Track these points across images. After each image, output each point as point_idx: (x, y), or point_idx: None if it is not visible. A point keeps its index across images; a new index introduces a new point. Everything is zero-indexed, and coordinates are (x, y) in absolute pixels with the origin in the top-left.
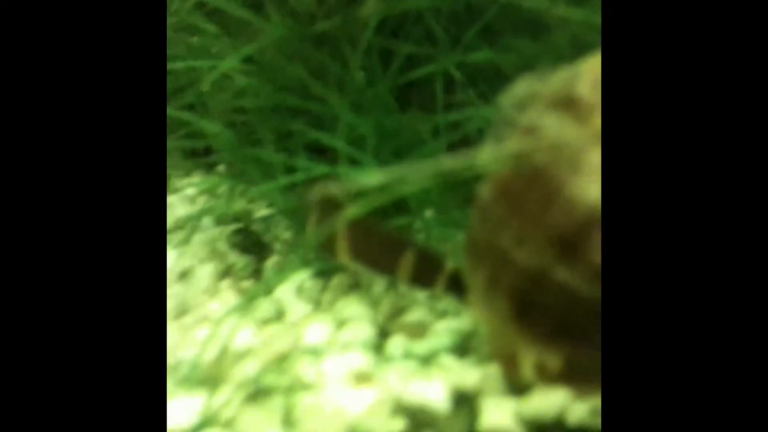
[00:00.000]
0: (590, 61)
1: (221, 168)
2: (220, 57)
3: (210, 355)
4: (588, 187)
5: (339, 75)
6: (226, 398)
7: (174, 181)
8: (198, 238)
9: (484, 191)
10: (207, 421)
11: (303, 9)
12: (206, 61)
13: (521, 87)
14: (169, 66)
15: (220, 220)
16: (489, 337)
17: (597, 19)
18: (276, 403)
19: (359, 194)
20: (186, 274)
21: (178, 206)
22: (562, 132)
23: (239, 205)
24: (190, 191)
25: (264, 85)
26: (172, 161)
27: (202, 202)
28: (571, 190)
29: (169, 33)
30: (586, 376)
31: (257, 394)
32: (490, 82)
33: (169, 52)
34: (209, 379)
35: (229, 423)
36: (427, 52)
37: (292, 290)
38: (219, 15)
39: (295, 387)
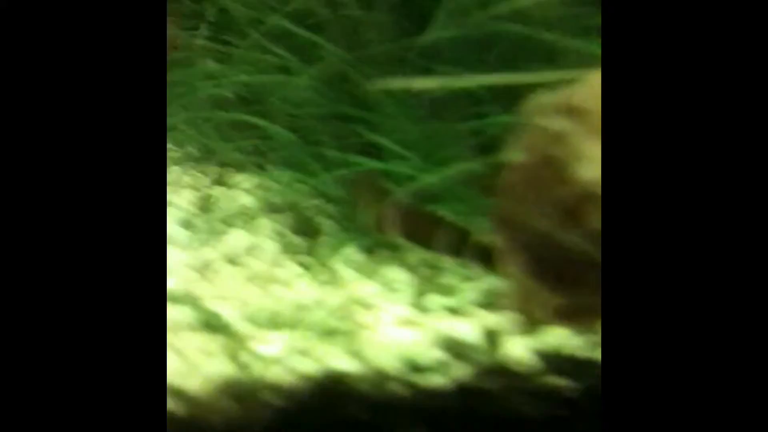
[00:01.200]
0: (585, 79)
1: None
2: (290, 73)
3: (284, 306)
4: (584, 170)
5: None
6: (301, 335)
7: (231, 175)
8: (261, 222)
9: (507, 174)
10: (291, 351)
11: (361, 34)
12: (276, 76)
13: (536, 99)
14: (244, 79)
15: (276, 208)
16: (510, 287)
17: (593, 48)
18: (341, 339)
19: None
20: (253, 249)
21: (240, 197)
22: (565, 129)
23: (293, 196)
24: (247, 185)
25: (324, 96)
26: (231, 159)
27: (259, 194)
28: (572, 172)
29: (242, 53)
30: (583, 317)
31: (325, 333)
32: (510, 98)
33: (242, 68)
34: (286, 323)
35: (306, 352)
36: (460, 73)
37: (342, 261)
38: (289, 38)
39: (354, 329)
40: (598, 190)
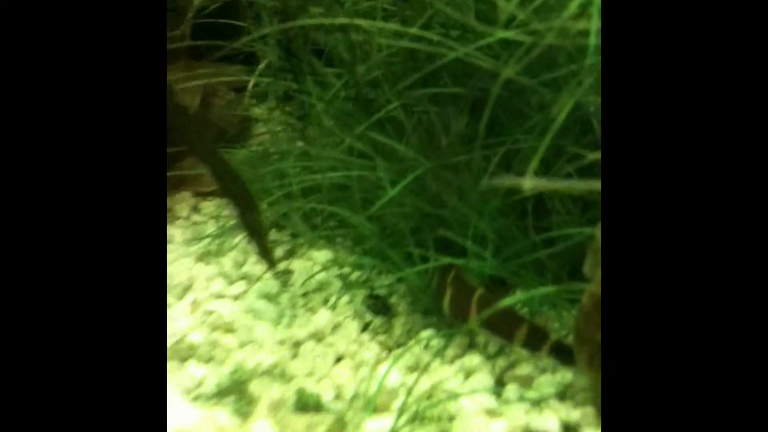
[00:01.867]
0: None
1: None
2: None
3: (372, 390)
4: None
5: (467, 191)
6: (394, 420)
7: (303, 250)
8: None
9: (585, 301)
10: None
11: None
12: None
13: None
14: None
15: (350, 285)
16: (590, 387)
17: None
18: (432, 426)
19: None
20: (337, 328)
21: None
22: None
23: (366, 273)
24: (322, 259)
25: (407, 195)
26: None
27: (334, 269)
28: None
29: (335, 154)
30: None
31: (415, 418)
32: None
33: (330, 166)
34: (378, 407)
35: None
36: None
37: (421, 345)
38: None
39: (443, 416)
40: None
